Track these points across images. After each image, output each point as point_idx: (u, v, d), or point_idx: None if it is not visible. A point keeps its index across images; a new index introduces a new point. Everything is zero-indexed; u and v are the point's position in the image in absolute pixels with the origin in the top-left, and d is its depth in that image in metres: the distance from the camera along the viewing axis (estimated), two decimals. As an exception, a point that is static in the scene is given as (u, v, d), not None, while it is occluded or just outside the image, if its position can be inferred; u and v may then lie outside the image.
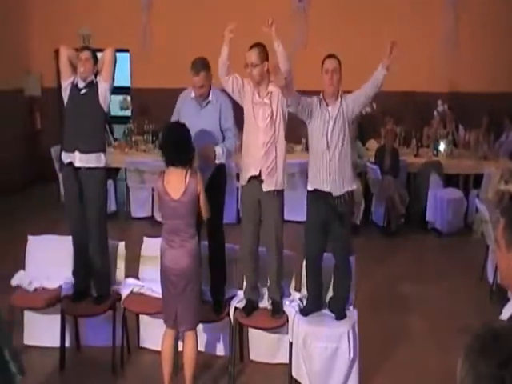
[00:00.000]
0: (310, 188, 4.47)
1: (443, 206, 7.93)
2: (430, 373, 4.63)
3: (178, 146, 3.99)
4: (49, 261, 4.91)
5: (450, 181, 8.29)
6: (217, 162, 4.49)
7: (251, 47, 4.38)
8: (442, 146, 8.58)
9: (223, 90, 4.62)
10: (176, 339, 4.30)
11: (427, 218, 8.10)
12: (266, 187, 4.41)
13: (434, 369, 4.65)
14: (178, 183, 3.97)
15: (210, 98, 4.56)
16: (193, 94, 4.59)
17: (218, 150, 4.48)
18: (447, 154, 8.49)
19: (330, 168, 4.33)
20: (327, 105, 4.34)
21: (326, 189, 4.35)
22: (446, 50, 9.34)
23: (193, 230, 4.06)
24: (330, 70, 4.30)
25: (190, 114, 4.55)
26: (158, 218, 4.24)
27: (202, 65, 4.48)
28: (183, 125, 4.17)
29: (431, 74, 9.38)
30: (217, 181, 4.58)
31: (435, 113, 9.37)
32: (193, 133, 4.38)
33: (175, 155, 3.98)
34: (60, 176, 7.87)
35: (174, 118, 4.64)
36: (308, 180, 4.52)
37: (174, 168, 3.99)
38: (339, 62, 4.34)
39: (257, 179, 4.42)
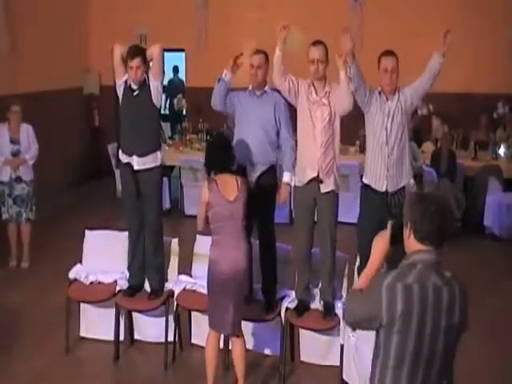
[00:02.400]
0: (365, 181, 4.45)
1: (502, 211, 7.70)
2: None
3: (227, 151, 4.12)
4: (105, 255, 5.01)
5: (510, 185, 8.03)
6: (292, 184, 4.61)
7: (315, 43, 4.34)
8: (501, 150, 8.32)
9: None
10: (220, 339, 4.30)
11: (485, 223, 7.87)
12: (324, 188, 4.38)
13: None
14: (231, 187, 4.03)
15: (266, 88, 4.61)
16: (250, 87, 4.62)
17: (289, 181, 4.58)
18: (507, 157, 8.22)
19: (388, 163, 4.29)
20: (386, 99, 4.31)
21: (383, 185, 4.32)
22: (508, 49, 9.05)
23: (245, 231, 4.11)
24: (390, 69, 4.26)
25: (247, 103, 4.60)
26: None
27: (263, 51, 4.57)
28: (226, 135, 4.40)
29: (491, 75, 9.11)
30: (268, 180, 4.60)
31: (494, 115, 9.11)
32: (249, 124, 4.52)
33: (226, 160, 4.08)
34: (117, 173, 8.06)
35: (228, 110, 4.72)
36: (364, 174, 4.48)
37: (223, 174, 4.06)
38: (397, 59, 4.29)
39: (315, 180, 4.39)
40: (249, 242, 4.62)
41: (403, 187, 4.38)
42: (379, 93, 4.32)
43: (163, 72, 4.74)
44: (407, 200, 2.48)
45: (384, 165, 4.30)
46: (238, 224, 4.04)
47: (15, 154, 6.53)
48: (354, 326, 2.97)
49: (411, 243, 2.38)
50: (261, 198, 4.52)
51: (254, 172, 4.57)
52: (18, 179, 6.55)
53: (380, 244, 2.54)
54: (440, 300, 2.26)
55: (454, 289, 2.30)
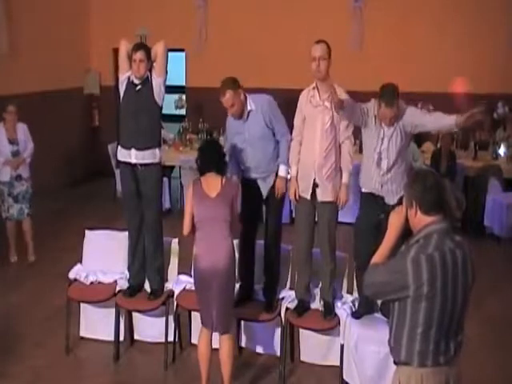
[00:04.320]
0: (363, 190, 4.44)
1: (502, 211, 7.68)
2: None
3: (215, 153, 4.14)
4: (105, 255, 5.02)
5: (510, 185, 8.02)
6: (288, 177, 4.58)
7: (317, 42, 4.32)
8: (501, 150, 8.31)
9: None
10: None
11: (485, 223, 7.86)
12: (323, 197, 4.37)
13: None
14: (214, 185, 4.05)
15: (249, 108, 4.50)
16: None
17: (285, 174, 4.53)
18: (507, 157, 8.22)
19: (382, 180, 4.29)
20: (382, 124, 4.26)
21: (379, 194, 4.33)
22: (508, 49, 9.04)
23: (229, 230, 4.05)
24: (388, 117, 4.16)
25: (236, 131, 4.58)
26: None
27: (227, 83, 4.41)
28: (217, 141, 4.40)
29: (492, 75, 9.10)
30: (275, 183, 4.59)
31: (494, 115, 9.10)
32: (244, 146, 4.51)
33: (213, 161, 4.10)
34: (117, 172, 8.06)
35: (226, 142, 4.73)
36: (361, 181, 4.47)
37: (210, 173, 4.08)
38: (397, 103, 4.13)
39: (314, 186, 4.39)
40: (251, 244, 4.64)
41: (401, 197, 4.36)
42: (375, 116, 4.21)
43: (166, 71, 4.72)
44: (405, 184, 2.74)
45: (378, 181, 4.30)
46: (220, 223, 4.01)
47: (15, 154, 6.58)
48: (374, 297, 3.40)
49: (419, 219, 2.60)
50: (268, 199, 4.55)
51: (265, 184, 4.58)
52: (19, 177, 6.63)
53: (396, 219, 2.69)
54: (456, 261, 2.53)
55: (464, 249, 2.59)
